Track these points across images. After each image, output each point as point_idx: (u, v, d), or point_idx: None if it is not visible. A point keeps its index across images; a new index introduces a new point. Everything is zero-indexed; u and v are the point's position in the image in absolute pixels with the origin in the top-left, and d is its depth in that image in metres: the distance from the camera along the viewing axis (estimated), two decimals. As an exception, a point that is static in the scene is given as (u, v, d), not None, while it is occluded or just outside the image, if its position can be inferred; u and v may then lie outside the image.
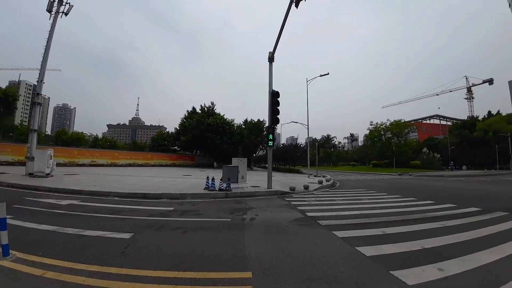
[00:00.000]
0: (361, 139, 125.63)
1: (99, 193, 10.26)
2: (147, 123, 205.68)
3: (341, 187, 16.38)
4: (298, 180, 19.96)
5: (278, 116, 12.17)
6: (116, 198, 9.47)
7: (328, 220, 6.27)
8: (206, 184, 11.47)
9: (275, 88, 12.41)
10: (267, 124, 13.10)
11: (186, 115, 52.45)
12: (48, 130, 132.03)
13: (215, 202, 9.22)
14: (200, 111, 51.72)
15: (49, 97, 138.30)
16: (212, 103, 52.67)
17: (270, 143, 12.15)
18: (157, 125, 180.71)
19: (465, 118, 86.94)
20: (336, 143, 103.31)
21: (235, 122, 50.91)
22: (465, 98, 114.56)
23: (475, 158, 51.87)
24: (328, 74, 23.46)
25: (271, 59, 12.74)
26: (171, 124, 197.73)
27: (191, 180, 16.83)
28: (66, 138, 49.02)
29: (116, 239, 4.59)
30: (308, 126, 25.28)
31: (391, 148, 44.79)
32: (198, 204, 8.70)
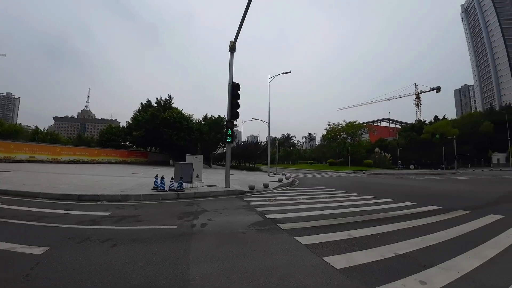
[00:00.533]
0: (319, 138, 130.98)
1: (27, 194, 8.49)
2: (98, 116, 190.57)
3: (300, 185, 16.15)
4: (258, 179, 19.38)
5: (238, 110, 11.30)
6: (45, 201, 7.82)
7: (290, 223, 5.62)
8: (154, 184, 10.14)
9: (238, 84, 11.53)
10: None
11: (140, 108, 48.63)
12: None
13: (163, 204, 8.05)
14: (155, 105, 48.47)
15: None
16: (170, 96, 49.63)
17: (229, 139, 11.25)
18: (109, 119, 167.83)
19: (413, 122, 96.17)
20: (296, 142, 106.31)
21: (194, 117, 48.71)
22: (414, 104, 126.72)
23: (422, 158, 56.82)
24: (290, 72, 23.32)
25: (232, 48, 11.81)
26: (125, 119, 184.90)
27: (140, 179, 15.18)
28: (2, 130, 42.43)
29: (24, 255, 3.45)
30: (269, 123, 24.89)
31: (347, 148, 47.01)
32: (142, 207, 7.47)
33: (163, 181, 9.85)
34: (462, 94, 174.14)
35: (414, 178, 24.72)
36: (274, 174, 27.42)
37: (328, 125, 55.63)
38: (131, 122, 48.88)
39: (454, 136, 47.96)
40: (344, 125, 52.40)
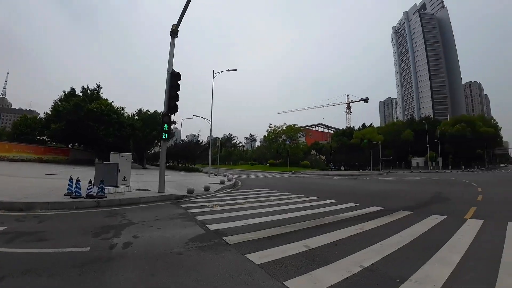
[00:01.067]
0: (259, 140, 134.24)
1: None
2: (16, 106, 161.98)
3: (244, 187, 15.52)
4: (198, 180, 18.08)
5: (177, 103, 10.01)
6: None
7: (237, 235, 4.79)
8: (68, 189, 8.14)
9: (179, 73, 10.20)
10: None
11: (62, 97, 41.39)
12: None
13: (77, 216, 6.37)
14: (81, 94, 42.23)
15: None
16: (98, 86, 43.45)
17: (165, 135, 9.82)
18: (27, 109, 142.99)
19: (344, 128, 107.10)
20: (237, 142, 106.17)
21: (126, 111, 43.80)
22: (345, 112, 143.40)
23: (351, 161, 63.01)
24: (235, 70, 22.68)
25: (174, 32, 10.40)
26: (47, 110, 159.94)
27: (54, 181, 12.48)
28: None
29: None
30: (211, 121, 23.68)
31: (286, 149, 48.67)
32: (49, 219, 5.75)
33: (79, 184, 7.97)
34: (386, 105, 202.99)
35: (347, 178, 26.56)
36: (215, 175, 26.29)
37: (270, 127, 56.96)
38: (50, 113, 41.56)
39: (380, 142, 54.23)
40: (284, 128, 54.24)
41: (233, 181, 17.39)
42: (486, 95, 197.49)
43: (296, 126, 56.49)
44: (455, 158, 59.24)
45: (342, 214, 7.03)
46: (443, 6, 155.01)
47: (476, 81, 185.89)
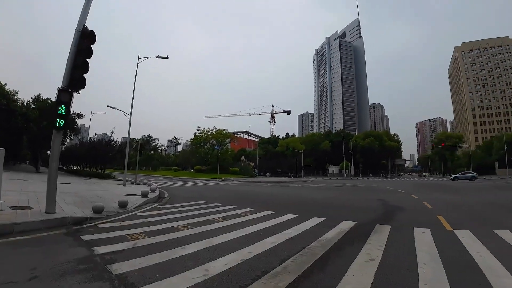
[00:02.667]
0: (184, 143, 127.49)
1: None
2: None
3: (173, 199, 12.45)
4: (109, 191, 14.05)
5: (85, 75, 6.66)
6: None
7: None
8: None
9: (93, 32, 6.82)
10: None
11: None
12: None
13: None
14: None
15: None
16: None
17: (61, 122, 6.23)
18: None
19: (267, 136, 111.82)
20: (159, 145, 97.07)
21: (20, 97, 33.86)
22: (269, 121, 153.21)
23: (277, 168, 64.98)
24: (167, 57, 19.15)
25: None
26: None
27: None
28: None
29: None
30: (131, 115, 19.23)
31: (216, 155, 46.10)
32: None
33: None
34: (304, 119, 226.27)
35: (280, 185, 25.85)
36: (132, 183, 21.85)
37: (198, 129, 53.32)
38: None
39: (302, 150, 57.27)
40: (214, 132, 51.57)
41: (157, 192, 14.08)
42: (386, 115, 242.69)
43: (226, 131, 54.57)
44: (364, 167, 67.99)
45: (325, 236, 5.44)
46: (360, 36, 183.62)
47: (379, 103, 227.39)
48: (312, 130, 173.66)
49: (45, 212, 6.15)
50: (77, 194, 11.33)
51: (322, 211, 8.88)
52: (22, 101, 34.12)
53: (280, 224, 6.70)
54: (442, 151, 76.28)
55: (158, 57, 19.00)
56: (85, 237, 5.02)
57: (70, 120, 37.30)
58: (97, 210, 7.20)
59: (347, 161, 62.92)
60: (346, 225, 6.55)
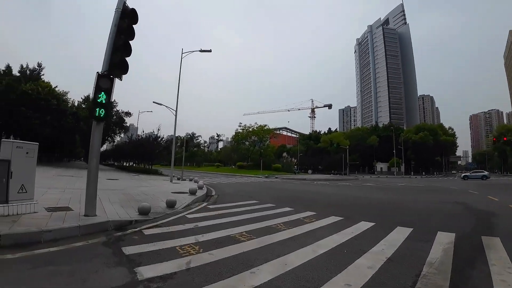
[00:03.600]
0: (225, 140, 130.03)
1: None
2: None
3: (221, 198, 11.48)
4: (156, 188, 13.61)
5: (127, 58, 5.78)
6: None
7: None
8: None
9: (134, 10, 5.93)
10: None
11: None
12: None
13: None
14: (19, 74, 34.30)
15: None
16: (40, 65, 35.80)
17: (102, 111, 5.35)
18: None
19: (307, 132, 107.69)
20: (202, 142, 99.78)
21: (70, 97, 36.53)
22: (309, 117, 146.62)
23: (318, 164, 61.64)
24: (210, 51, 18.47)
25: None
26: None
27: None
28: None
29: None
30: (176, 110, 19.01)
31: (259, 151, 45.32)
32: None
33: None
34: (345, 113, 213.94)
35: (329, 184, 23.90)
36: (179, 179, 21.73)
37: (240, 126, 53.09)
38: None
39: (347, 146, 53.52)
40: (256, 128, 50.81)
41: (204, 189, 13.26)
42: (437, 108, 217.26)
43: (267, 127, 53.42)
44: (416, 164, 61.42)
45: (432, 256, 3.75)
46: (405, 23, 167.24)
47: (429, 95, 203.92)
48: (354, 125, 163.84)
49: (84, 215, 5.38)
50: (124, 191, 10.92)
51: (400, 218, 7.11)
52: (72, 101, 36.76)
53: (360, 236, 5.20)
54: (503, 146, 66.09)
55: (201, 50, 18.41)
56: (127, 250, 4.01)
57: (119, 118, 39.21)
58: (144, 212, 6.34)
59: (398, 157, 57.47)
60: (445, 239, 5.00)
